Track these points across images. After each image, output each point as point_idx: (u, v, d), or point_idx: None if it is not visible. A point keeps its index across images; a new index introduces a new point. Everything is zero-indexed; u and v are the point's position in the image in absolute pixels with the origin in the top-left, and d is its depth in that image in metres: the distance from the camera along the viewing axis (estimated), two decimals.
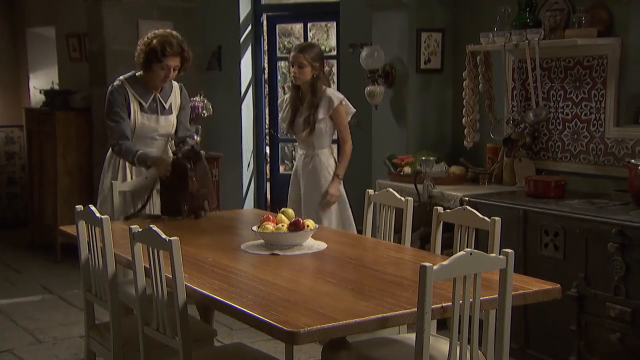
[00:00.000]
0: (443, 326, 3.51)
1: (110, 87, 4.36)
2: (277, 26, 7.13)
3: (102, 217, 3.25)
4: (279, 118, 6.74)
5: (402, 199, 3.83)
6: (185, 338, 2.83)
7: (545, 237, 4.13)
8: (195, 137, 4.43)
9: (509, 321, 2.66)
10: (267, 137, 7.19)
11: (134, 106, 4.31)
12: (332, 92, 4.81)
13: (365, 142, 5.70)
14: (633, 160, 4.10)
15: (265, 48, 7.09)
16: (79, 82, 7.44)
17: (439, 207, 3.61)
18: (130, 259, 3.06)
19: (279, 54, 7.23)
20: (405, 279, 2.96)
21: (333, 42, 8.06)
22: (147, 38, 4.28)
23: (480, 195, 4.59)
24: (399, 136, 5.57)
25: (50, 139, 7.11)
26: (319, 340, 2.50)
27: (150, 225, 2.91)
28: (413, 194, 4.64)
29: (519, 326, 4.19)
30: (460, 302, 2.51)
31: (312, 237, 3.55)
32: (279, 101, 7.01)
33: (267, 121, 7.17)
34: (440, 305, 2.54)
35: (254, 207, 7.06)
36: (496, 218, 3.27)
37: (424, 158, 4.95)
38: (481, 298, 2.59)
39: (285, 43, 9.11)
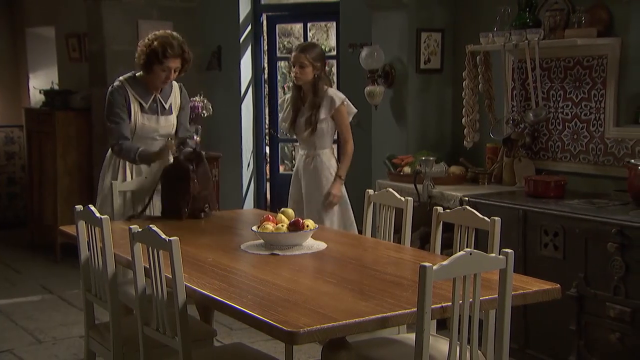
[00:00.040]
0: (443, 326, 3.52)
1: (110, 88, 4.36)
2: (277, 26, 7.13)
3: (102, 217, 3.25)
4: (279, 118, 6.79)
5: (402, 199, 3.83)
6: (185, 338, 2.83)
7: (545, 237, 4.13)
8: (195, 137, 4.42)
9: (508, 321, 2.66)
10: (267, 137, 7.19)
11: (134, 107, 4.30)
12: (334, 92, 4.80)
13: (365, 142, 5.69)
14: (633, 160, 4.10)
15: (265, 48, 7.09)
16: (78, 82, 7.44)
17: (438, 207, 3.61)
18: (130, 259, 3.06)
19: (278, 54, 7.23)
20: (405, 279, 2.96)
21: (333, 42, 8.06)
22: (148, 39, 4.27)
23: (480, 195, 4.59)
24: (398, 136, 5.57)
25: (50, 139, 7.11)
26: (318, 340, 2.50)
27: (150, 225, 2.91)
28: (413, 194, 4.64)
29: (519, 326, 4.19)
30: (460, 302, 2.51)
31: (312, 237, 3.55)
32: (279, 101, 7.05)
33: (267, 121, 7.17)
34: (440, 305, 2.54)
35: (254, 207, 7.06)
36: (496, 218, 3.27)
37: (423, 158, 4.95)
38: (481, 298, 2.59)
39: (285, 43, 9.11)
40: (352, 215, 4.87)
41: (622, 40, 4.45)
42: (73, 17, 7.48)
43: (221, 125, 6.98)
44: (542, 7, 4.82)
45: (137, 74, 4.37)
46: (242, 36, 6.97)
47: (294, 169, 5.05)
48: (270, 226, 3.46)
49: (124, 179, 4.38)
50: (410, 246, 3.76)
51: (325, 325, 2.39)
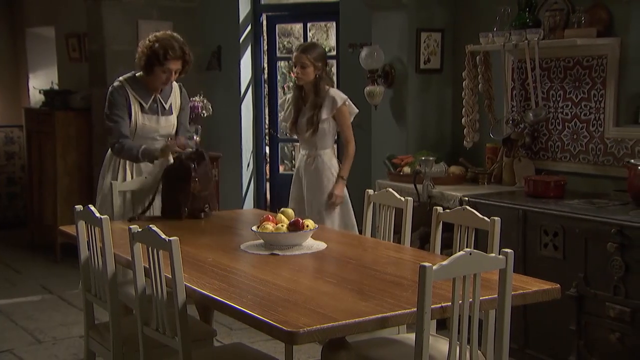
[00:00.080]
0: (443, 326, 3.52)
1: (110, 88, 4.35)
2: (276, 26, 7.13)
3: (102, 217, 3.25)
4: (279, 118, 6.79)
5: (402, 199, 3.83)
6: (184, 338, 2.83)
7: (545, 237, 4.13)
8: (195, 137, 4.42)
9: (508, 321, 2.66)
10: (267, 137, 7.19)
11: (134, 107, 4.30)
12: (336, 92, 4.79)
13: (364, 142, 5.69)
14: (632, 160, 4.10)
15: (265, 48, 7.09)
16: (78, 82, 7.44)
17: (438, 207, 3.61)
18: (130, 259, 3.06)
19: (278, 54, 7.23)
20: (404, 279, 2.96)
21: (333, 42, 8.06)
22: (149, 41, 4.25)
23: (479, 195, 4.59)
24: (398, 136, 5.57)
25: (49, 139, 7.11)
26: (318, 340, 2.50)
27: (150, 225, 2.91)
28: (413, 194, 4.64)
29: (519, 326, 4.19)
30: (460, 302, 2.51)
31: (311, 237, 3.55)
32: (279, 101, 7.04)
33: (267, 121, 7.17)
34: (439, 305, 2.54)
35: (254, 207, 7.06)
36: (496, 218, 3.27)
37: (423, 158, 4.95)
38: (481, 298, 2.59)
39: (285, 43, 9.11)
40: (353, 216, 4.87)
41: (622, 40, 4.45)
42: (73, 17, 7.48)
43: (221, 125, 6.98)
44: (542, 7, 4.82)
45: (137, 74, 4.36)
46: (242, 36, 6.97)
47: (295, 169, 5.05)
48: (270, 226, 3.46)
49: (124, 179, 4.38)
50: (410, 246, 3.76)
51: (325, 325, 2.39)
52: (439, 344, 3.03)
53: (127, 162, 4.38)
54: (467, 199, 4.52)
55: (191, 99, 5.59)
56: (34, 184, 7.56)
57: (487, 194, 4.63)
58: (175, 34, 4.36)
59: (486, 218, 3.30)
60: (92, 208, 3.34)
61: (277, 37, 7.21)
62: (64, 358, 4.69)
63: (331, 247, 3.49)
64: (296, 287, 2.87)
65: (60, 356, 4.71)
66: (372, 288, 2.83)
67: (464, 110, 5.19)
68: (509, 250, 2.60)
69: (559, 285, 2.89)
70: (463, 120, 5.21)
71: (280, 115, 6.06)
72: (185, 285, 2.82)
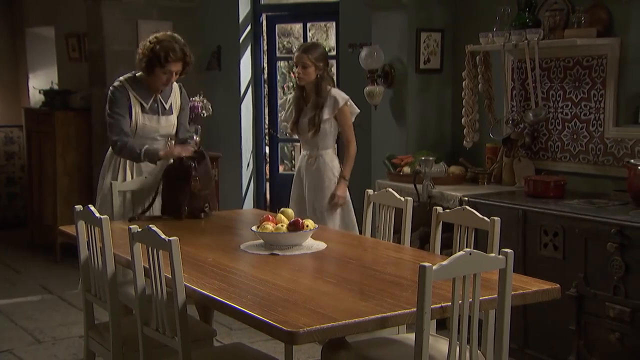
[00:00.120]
0: (442, 326, 3.52)
1: (111, 88, 4.35)
2: (276, 26, 7.13)
3: (102, 217, 3.25)
4: (279, 118, 6.79)
5: (402, 199, 3.83)
6: (184, 338, 2.83)
7: (545, 237, 4.13)
8: (195, 137, 4.42)
9: (508, 321, 2.66)
10: (267, 137, 7.19)
11: (135, 107, 4.30)
12: (337, 92, 4.79)
13: (364, 142, 5.69)
14: (632, 160, 4.10)
15: (265, 48, 7.09)
16: (78, 82, 7.44)
17: (438, 207, 3.61)
18: (130, 259, 3.06)
19: (278, 54, 7.23)
20: (404, 279, 2.96)
21: (332, 42, 8.06)
22: (150, 42, 4.24)
23: (479, 195, 4.59)
24: (398, 136, 5.57)
25: (49, 139, 7.11)
26: (318, 340, 2.50)
27: (150, 225, 2.91)
28: (412, 194, 4.64)
29: (519, 326, 4.19)
30: (460, 302, 2.51)
31: (311, 237, 3.55)
32: (280, 101, 7.04)
33: (267, 121, 7.18)
34: (439, 305, 2.54)
35: (254, 207, 7.06)
36: (495, 218, 3.27)
37: (423, 158, 4.95)
38: (480, 298, 2.59)
39: (285, 43, 9.11)
40: (354, 217, 4.86)
41: (622, 40, 4.45)
42: (73, 17, 7.48)
43: (221, 125, 6.98)
44: (542, 7, 4.82)
45: (137, 74, 4.36)
46: (241, 36, 6.97)
47: (296, 169, 5.04)
48: (270, 226, 3.46)
49: (124, 179, 4.38)
50: (410, 246, 3.77)
51: (325, 325, 2.39)
52: (439, 344, 3.03)
53: (127, 162, 4.37)
54: (467, 199, 4.52)
55: (191, 99, 5.59)
56: (33, 184, 7.56)
57: (487, 194, 4.63)
58: (175, 35, 4.35)
59: (486, 218, 3.30)
60: (92, 208, 3.34)
61: (277, 37, 7.21)
62: (64, 358, 4.69)
63: (331, 247, 3.49)
64: (296, 287, 2.87)
65: (60, 356, 4.71)
66: (372, 288, 2.83)
67: (463, 110, 5.19)
68: (508, 250, 2.60)
69: (558, 285, 2.90)
70: (463, 120, 5.21)
71: (281, 115, 6.06)
72: (185, 285, 2.82)
